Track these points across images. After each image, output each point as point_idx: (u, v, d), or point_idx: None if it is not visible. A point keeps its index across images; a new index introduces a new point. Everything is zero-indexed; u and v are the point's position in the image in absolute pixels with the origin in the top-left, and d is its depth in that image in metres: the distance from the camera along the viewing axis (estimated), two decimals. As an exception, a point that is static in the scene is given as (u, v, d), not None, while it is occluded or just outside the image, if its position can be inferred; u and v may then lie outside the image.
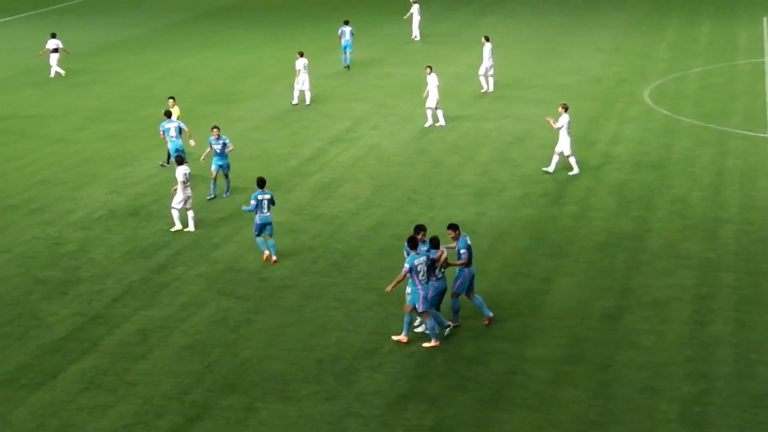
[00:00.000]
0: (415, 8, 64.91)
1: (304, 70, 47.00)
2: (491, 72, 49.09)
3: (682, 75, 51.71)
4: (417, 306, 23.58)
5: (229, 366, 23.06)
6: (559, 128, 35.71)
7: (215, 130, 34.57)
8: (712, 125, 41.76)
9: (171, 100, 38.79)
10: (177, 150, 35.93)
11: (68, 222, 32.69)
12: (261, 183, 29.07)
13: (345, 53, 56.52)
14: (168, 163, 37.51)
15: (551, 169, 36.12)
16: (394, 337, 24.07)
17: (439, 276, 24.16)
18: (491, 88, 49.12)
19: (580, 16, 72.09)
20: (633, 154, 38.17)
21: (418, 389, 21.90)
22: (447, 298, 24.58)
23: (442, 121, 42.91)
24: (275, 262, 28.69)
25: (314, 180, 36.35)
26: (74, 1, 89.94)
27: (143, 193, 34.95)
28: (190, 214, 31.52)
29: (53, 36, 56.32)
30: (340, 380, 22.32)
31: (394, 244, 29.91)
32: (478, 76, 49.61)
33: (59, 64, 55.86)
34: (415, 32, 64.90)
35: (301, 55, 47.33)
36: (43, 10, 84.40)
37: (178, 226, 31.45)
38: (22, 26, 76.56)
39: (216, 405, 21.48)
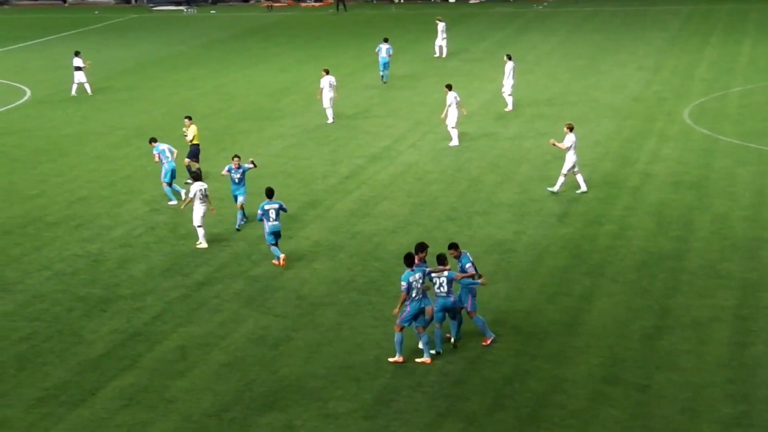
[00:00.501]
0: (440, 26, 65.40)
1: (329, 87, 47.11)
2: (511, 91, 49.02)
3: (723, 94, 51.44)
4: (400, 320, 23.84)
5: (267, 384, 23.12)
6: (567, 148, 35.54)
7: (236, 159, 33.59)
8: (752, 144, 41.51)
9: (187, 120, 38.86)
10: (173, 171, 36.30)
11: (108, 239, 32.91)
12: (269, 193, 30.17)
13: (383, 70, 57.42)
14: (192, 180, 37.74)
15: (556, 189, 35.93)
16: (418, 360, 23.93)
17: (445, 293, 24.14)
18: (511, 107, 49.05)
19: (622, 34, 71.90)
20: (672, 174, 37.99)
21: (455, 408, 21.87)
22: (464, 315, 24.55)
23: (455, 141, 42.79)
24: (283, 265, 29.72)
25: (352, 198, 36.42)
26: (116, 20, 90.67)
27: (182, 211, 35.10)
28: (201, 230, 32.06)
29: (77, 54, 56.49)
30: (379, 399, 22.33)
31: (433, 262, 29.84)
32: (502, 94, 49.54)
33: (82, 81, 55.90)
34: (443, 50, 65.39)
35: (327, 72, 47.46)
36: (86, 28, 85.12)
37: (204, 244, 31.78)
38: (65, 45, 77.15)
39: (255, 423, 21.54)
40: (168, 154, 36.30)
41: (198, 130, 38.68)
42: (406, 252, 24.52)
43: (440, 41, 65.35)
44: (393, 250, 31.04)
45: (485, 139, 43.68)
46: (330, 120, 47.62)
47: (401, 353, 23.94)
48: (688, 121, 46.02)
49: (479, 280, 24.77)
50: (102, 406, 22.38)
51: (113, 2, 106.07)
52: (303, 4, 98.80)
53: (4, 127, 49.40)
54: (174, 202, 36.21)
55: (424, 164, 40.28)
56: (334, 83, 47.44)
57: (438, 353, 24.21)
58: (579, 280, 28.46)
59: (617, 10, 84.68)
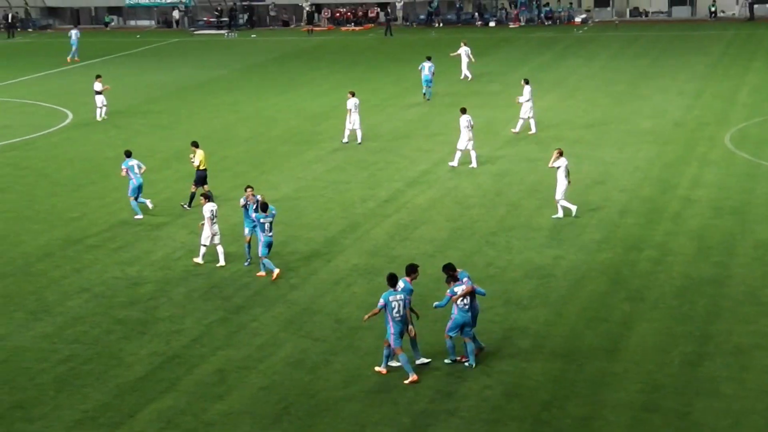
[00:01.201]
0: (463, 50, 66.03)
1: (355, 109, 47.84)
2: (531, 114, 49.26)
3: (765, 119, 51.11)
4: (390, 341, 24.36)
5: (305, 407, 23.10)
6: (558, 168, 35.82)
7: (249, 190, 32.14)
8: (795, 170, 41.23)
9: (193, 146, 39.43)
10: (140, 187, 37.63)
11: (148, 262, 33.05)
12: (263, 207, 30.78)
13: (426, 87, 58.87)
14: (190, 206, 38.51)
15: (560, 215, 35.96)
16: (376, 368, 24.64)
17: (464, 306, 24.77)
18: (518, 130, 49.37)
19: (663, 59, 71.70)
20: (713, 199, 37.75)
21: (493, 434, 21.77)
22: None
23: (455, 162, 43.32)
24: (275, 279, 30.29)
25: (391, 222, 36.41)
26: (158, 45, 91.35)
27: (222, 235, 35.18)
28: (220, 249, 32.41)
29: (98, 78, 56.79)
30: (416, 423, 22.25)
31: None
32: (528, 119, 49.60)
33: (102, 104, 56.27)
34: (465, 72, 65.98)
35: (353, 95, 48.18)
36: (128, 52, 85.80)
37: (200, 260, 32.53)
38: (107, 68, 77.74)
39: (291, 446, 21.53)
40: (137, 170, 37.66)
41: (203, 155, 38.89)
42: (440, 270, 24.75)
43: (465, 65, 65.92)
44: (431, 275, 30.93)
45: (525, 163, 43.60)
46: (345, 140, 48.41)
47: (413, 371, 24.18)
48: (730, 146, 45.76)
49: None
50: (140, 428, 22.42)
51: (155, 26, 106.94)
52: (343, 29, 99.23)
53: (47, 150, 49.80)
54: (140, 216, 37.50)
55: (463, 188, 40.24)
56: (358, 104, 48.28)
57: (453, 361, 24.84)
58: (618, 306, 28.29)
59: (659, 35, 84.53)
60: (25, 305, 29.72)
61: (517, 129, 49.49)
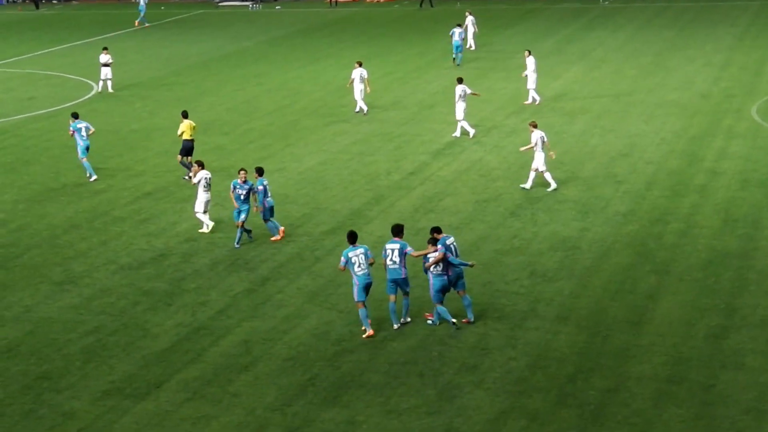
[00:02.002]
0: (469, 20, 66.74)
1: (360, 80, 48.28)
2: (533, 86, 49.61)
3: (793, 90, 50.81)
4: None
5: (331, 379, 23.17)
6: (533, 146, 35.94)
7: (242, 172, 31.62)
8: (822, 142, 40.97)
9: (182, 116, 39.97)
10: (87, 148, 39.23)
11: (173, 234, 33.15)
12: (260, 172, 31.61)
13: (455, 53, 60.59)
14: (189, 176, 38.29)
15: (528, 185, 36.20)
16: (365, 336, 25.22)
17: (440, 272, 25.30)
18: (530, 101, 49.70)
19: (690, 30, 71.24)
20: (740, 171, 37.56)
21: (518, 405, 21.78)
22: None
23: (458, 133, 43.79)
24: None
25: (416, 194, 36.39)
26: (182, 16, 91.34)
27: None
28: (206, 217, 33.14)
29: (105, 50, 56.79)
30: (442, 395, 22.30)
31: (497, 258, 29.85)
32: (530, 91, 49.95)
33: (107, 77, 56.30)
34: (470, 42, 66.46)
35: (360, 65, 48.65)
36: (153, 24, 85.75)
37: (207, 228, 33.02)
38: (132, 40, 77.94)
39: (318, 418, 21.60)
40: (84, 132, 39.12)
41: (190, 126, 39.26)
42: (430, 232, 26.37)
43: (471, 34, 66.68)
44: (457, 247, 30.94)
45: (551, 136, 43.34)
46: (363, 110, 48.85)
47: (369, 327, 25.17)
48: (757, 118, 45.48)
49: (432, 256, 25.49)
50: (167, 399, 22.56)
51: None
52: (368, 0, 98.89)
53: (72, 122, 49.93)
54: (95, 177, 39.17)
55: (488, 161, 40.17)
56: (366, 76, 48.57)
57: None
58: (644, 278, 28.23)
59: (687, 5, 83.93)
60: (51, 277, 29.89)
61: (529, 100, 49.65)
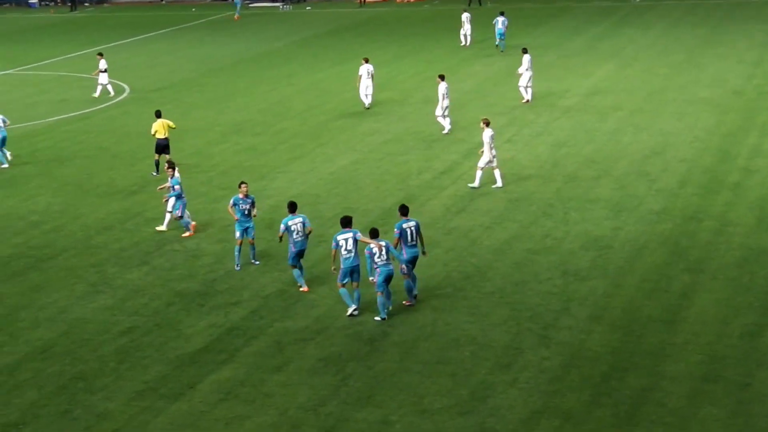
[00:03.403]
0: (465, 16, 68.90)
1: (367, 75, 49.25)
2: (530, 83, 49.86)
3: (827, 87, 50.44)
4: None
5: (363, 379, 23.16)
6: (489, 144, 36.15)
7: (243, 186, 30.32)
8: None
9: (156, 114, 40.75)
10: (5, 139, 41.86)
11: (205, 234, 33.21)
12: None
13: (499, 40, 64.55)
14: (157, 172, 39.83)
15: (476, 184, 36.44)
16: (300, 289, 27.89)
17: (386, 261, 25.93)
18: (530, 98, 49.86)
19: (723, 27, 70.88)
20: (774, 168, 37.33)
21: (552, 404, 21.70)
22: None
23: (447, 128, 44.40)
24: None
25: (448, 193, 36.33)
26: (213, 17, 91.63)
27: (278, 206, 35.24)
28: (168, 217, 33.46)
29: (100, 55, 56.80)
30: (474, 394, 22.25)
31: (529, 258, 29.76)
32: (518, 87, 50.29)
33: (104, 83, 56.30)
34: (466, 39, 68.55)
35: (366, 61, 49.54)
36: (183, 25, 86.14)
37: (164, 227, 33.49)
38: (163, 42, 78.27)
39: (351, 418, 21.59)
40: (1, 123, 41.37)
41: (163, 125, 39.96)
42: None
43: (466, 30, 68.53)
44: (488, 246, 30.93)
45: (582, 134, 43.34)
46: (366, 106, 49.85)
47: (304, 284, 27.84)
48: (791, 115, 45.19)
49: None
50: (200, 399, 22.60)
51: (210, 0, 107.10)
52: (398, 0, 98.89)
53: (104, 124, 50.14)
54: (6, 166, 41.42)
55: (519, 159, 40.06)
56: (372, 71, 49.52)
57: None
58: (678, 277, 28.07)
59: (718, 3, 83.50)
60: (85, 278, 30.02)
61: (529, 97, 49.89)
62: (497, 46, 64.80)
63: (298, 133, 46.32)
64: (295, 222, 27.58)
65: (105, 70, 55.82)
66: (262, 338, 25.47)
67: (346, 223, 26.57)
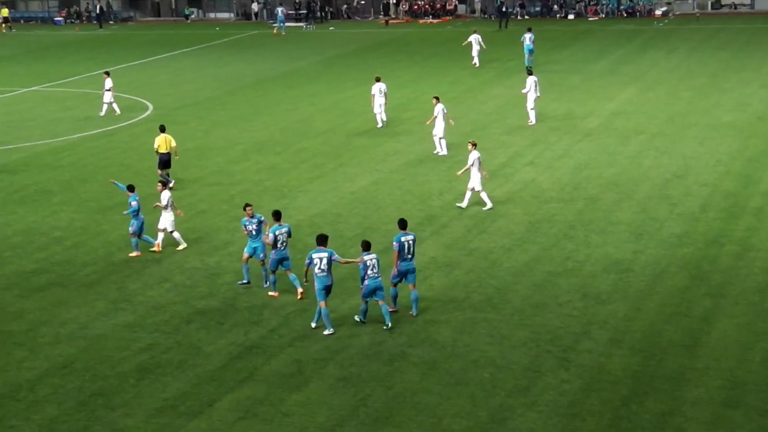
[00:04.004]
0: (473, 37, 69.90)
1: (380, 94, 50.15)
2: (531, 105, 50.24)
3: None
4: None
5: (382, 399, 23.14)
6: (470, 166, 36.48)
7: (248, 208, 30.15)
8: None
9: (159, 129, 41.72)
10: None
11: (226, 252, 33.28)
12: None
13: (526, 55, 66.33)
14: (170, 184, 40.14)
15: (464, 204, 36.82)
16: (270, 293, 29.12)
17: (376, 274, 26.72)
18: (534, 121, 50.21)
19: (747, 52, 70.80)
20: (797, 194, 37.19)
21: (571, 428, 21.63)
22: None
23: (444, 151, 44.52)
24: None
25: (469, 214, 36.31)
26: (237, 37, 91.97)
27: (300, 225, 35.36)
28: (176, 234, 33.70)
29: (107, 74, 57.06)
30: (494, 417, 22.20)
31: (549, 280, 29.72)
32: (526, 109, 50.60)
33: (105, 101, 56.61)
34: (475, 60, 69.50)
35: (378, 80, 50.55)
36: (208, 44, 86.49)
37: (183, 243, 33.71)
38: (187, 60, 78.60)
39: (368, 438, 21.57)
40: None
41: (165, 140, 40.96)
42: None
43: (475, 52, 69.70)
44: (509, 268, 30.90)
45: (604, 157, 43.29)
46: (379, 125, 50.67)
47: (275, 291, 28.81)
48: (814, 140, 45.04)
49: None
50: (219, 417, 22.62)
51: (234, 19, 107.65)
52: (421, 21, 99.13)
53: (128, 141, 50.35)
54: None
55: (540, 182, 40.03)
56: (385, 90, 50.32)
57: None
58: (699, 301, 27.98)
59: (742, 27, 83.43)
60: (106, 294, 30.11)
61: (533, 121, 50.19)
62: (525, 62, 65.91)
63: (319, 153, 46.41)
64: (281, 232, 28.70)
65: (110, 89, 56.06)
66: (281, 357, 25.48)
67: (322, 241, 26.97)
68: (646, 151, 44.11)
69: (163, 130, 41.46)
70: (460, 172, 37.74)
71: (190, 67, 74.97)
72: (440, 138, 44.64)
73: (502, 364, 24.57)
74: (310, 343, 26.19)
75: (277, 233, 28.71)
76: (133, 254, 33.24)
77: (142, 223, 33.31)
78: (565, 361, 24.58)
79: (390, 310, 27.32)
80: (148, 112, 57.56)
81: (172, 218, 33.49)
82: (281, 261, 29.01)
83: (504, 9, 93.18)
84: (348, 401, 23.10)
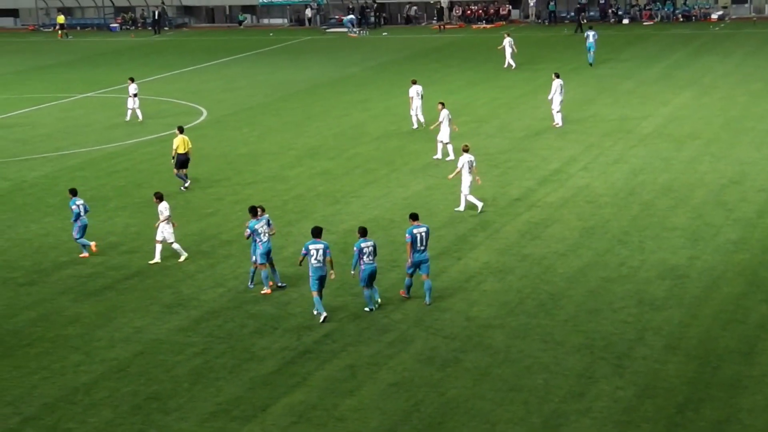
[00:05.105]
0: (507, 41, 70.90)
1: (417, 96, 50.90)
2: (559, 108, 50.72)
3: None
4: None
5: (435, 405, 23.09)
6: (460, 169, 36.88)
7: (258, 210, 30.85)
8: None
9: (177, 130, 42.76)
10: None
11: (279, 258, 33.29)
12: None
13: (589, 52, 69.13)
14: (187, 184, 42.23)
15: (461, 208, 37.23)
16: (262, 291, 29.82)
17: (372, 260, 28.17)
18: (560, 123, 50.69)
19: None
20: None
21: (626, 435, 21.50)
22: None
23: (451, 155, 44.42)
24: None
25: (522, 220, 36.20)
26: (290, 42, 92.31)
27: (352, 231, 35.32)
28: (176, 246, 33.66)
29: (131, 79, 57.50)
30: (547, 423, 22.08)
31: (603, 286, 29.54)
32: (552, 112, 51.09)
33: (132, 106, 57.13)
34: (509, 61, 70.78)
35: (414, 82, 51.62)
36: (261, 50, 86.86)
37: (184, 254, 33.60)
38: (240, 66, 78.98)
39: (421, 443, 21.54)
40: None
41: (184, 141, 42.01)
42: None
43: (508, 54, 70.67)
44: (563, 274, 30.75)
45: (659, 162, 43.00)
46: (414, 126, 51.36)
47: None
48: None
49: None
50: (272, 422, 22.67)
51: (287, 24, 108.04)
52: (474, 26, 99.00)
53: (182, 146, 50.60)
54: None
55: (595, 187, 39.82)
56: (421, 92, 51.34)
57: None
58: (756, 308, 27.68)
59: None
60: (161, 299, 30.30)
61: (560, 123, 50.71)
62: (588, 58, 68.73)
63: (372, 158, 46.46)
64: (260, 224, 29.70)
65: (135, 95, 56.57)
66: (334, 362, 25.50)
67: (317, 233, 28.31)
68: (702, 157, 43.76)
69: (181, 131, 42.65)
70: (451, 176, 38.32)
71: (243, 73, 75.33)
72: (446, 143, 44.79)
73: (556, 370, 24.44)
74: (363, 348, 26.19)
75: (256, 227, 29.85)
76: (84, 255, 34.26)
77: (83, 227, 34.16)
78: (619, 367, 24.40)
79: (403, 296, 29.04)
80: (202, 118, 57.91)
81: (171, 230, 33.45)
82: (268, 253, 30.12)
83: (577, 14, 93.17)
84: (401, 406, 23.07)
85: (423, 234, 28.67)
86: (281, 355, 26.02)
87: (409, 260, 28.66)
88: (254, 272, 30.67)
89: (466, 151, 37.28)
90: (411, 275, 28.93)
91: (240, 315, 28.73)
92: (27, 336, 27.96)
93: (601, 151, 45.52)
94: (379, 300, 28.81)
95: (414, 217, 29.23)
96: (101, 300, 30.45)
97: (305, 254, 28.05)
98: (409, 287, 29.09)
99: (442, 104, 45.40)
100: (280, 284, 30.68)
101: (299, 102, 61.99)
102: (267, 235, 30.00)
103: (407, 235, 28.62)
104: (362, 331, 27.21)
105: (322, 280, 28.06)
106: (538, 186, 40.37)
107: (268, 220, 30.39)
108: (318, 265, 27.91)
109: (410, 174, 43.16)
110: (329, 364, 25.36)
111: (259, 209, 30.88)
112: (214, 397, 23.86)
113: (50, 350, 26.92)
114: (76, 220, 34.09)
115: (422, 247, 28.58)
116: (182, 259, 33.48)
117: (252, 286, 30.68)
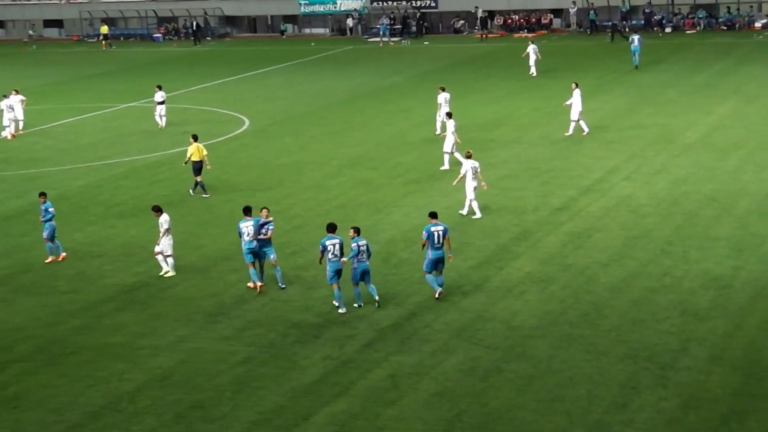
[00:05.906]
0: (531, 48, 71.58)
1: (445, 103, 51.49)
2: (578, 118, 51.12)
3: None
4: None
5: (478, 415, 23.05)
6: (463, 175, 37.42)
7: (264, 211, 31.96)
8: None
9: (192, 138, 43.70)
10: None
11: (322, 267, 33.33)
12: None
13: (634, 55, 71.30)
14: (205, 191, 42.89)
15: (465, 212, 37.79)
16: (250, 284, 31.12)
17: (365, 259, 29.35)
18: (571, 132, 51.10)
19: None
20: None
21: (670, 447, 21.38)
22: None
23: (446, 166, 44.97)
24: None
25: (564, 230, 36.08)
26: (332, 52, 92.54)
27: (394, 240, 35.46)
28: (170, 259, 33.66)
29: (159, 88, 58.21)
30: (590, 434, 22.02)
31: (647, 296, 29.39)
32: (576, 122, 51.20)
33: (161, 114, 58.00)
34: (532, 69, 71.49)
35: (443, 90, 52.30)
36: (303, 60, 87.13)
37: (172, 271, 33.56)
38: (282, 76, 79.27)
39: (464, 453, 21.50)
40: None
41: (197, 149, 42.99)
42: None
43: (533, 62, 71.44)
44: (605, 283, 30.62)
45: (703, 172, 42.74)
46: (438, 132, 51.90)
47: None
48: None
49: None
50: (314, 431, 22.69)
51: (329, 34, 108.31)
52: (516, 35, 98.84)
53: (224, 156, 50.84)
54: None
55: (638, 197, 39.63)
56: (449, 99, 51.94)
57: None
58: (801, 319, 27.49)
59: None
60: (204, 308, 30.43)
61: (571, 132, 51.02)
62: (635, 66, 70.68)
63: (413, 168, 46.45)
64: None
65: (162, 102, 57.36)
66: (376, 371, 25.51)
67: (333, 229, 29.63)
68: (746, 166, 43.46)
69: (195, 139, 43.57)
70: (455, 182, 38.80)
71: (285, 82, 75.58)
72: (448, 153, 45.24)
73: (599, 380, 24.34)
74: (405, 357, 26.19)
75: (241, 226, 31.32)
76: (49, 260, 35.11)
77: (53, 229, 35.20)
78: (663, 378, 24.27)
79: (436, 296, 29.76)
80: (244, 127, 58.14)
81: (171, 242, 33.55)
82: (254, 254, 31.44)
83: (615, 22, 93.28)
84: (443, 416, 23.05)
85: (440, 232, 29.71)
86: (323, 364, 26.06)
87: (429, 256, 29.69)
88: (278, 271, 31.65)
89: (469, 157, 37.76)
90: (430, 272, 29.85)
91: (282, 324, 28.81)
92: (71, 344, 28.18)
93: (644, 160, 45.31)
94: (378, 298, 29.55)
95: (433, 215, 30.36)
96: (145, 308, 30.64)
97: (323, 251, 29.28)
98: (434, 283, 29.86)
99: (449, 114, 46.30)
100: (274, 285, 31.72)
101: (341, 111, 62.12)
102: (250, 236, 31.05)
103: (424, 232, 29.79)
104: (404, 341, 27.21)
105: (339, 273, 29.21)
106: (580, 195, 40.23)
107: (262, 224, 31.32)
108: (335, 259, 29.15)
109: (451, 184, 43.05)
110: (371, 374, 25.38)
111: (264, 210, 31.98)
112: (257, 406, 23.93)
113: (94, 358, 27.11)
114: (48, 221, 35.15)
115: (439, 245, 29.65)
116: (166, 273, 33.43)
117: (283, 286, 31.52)
